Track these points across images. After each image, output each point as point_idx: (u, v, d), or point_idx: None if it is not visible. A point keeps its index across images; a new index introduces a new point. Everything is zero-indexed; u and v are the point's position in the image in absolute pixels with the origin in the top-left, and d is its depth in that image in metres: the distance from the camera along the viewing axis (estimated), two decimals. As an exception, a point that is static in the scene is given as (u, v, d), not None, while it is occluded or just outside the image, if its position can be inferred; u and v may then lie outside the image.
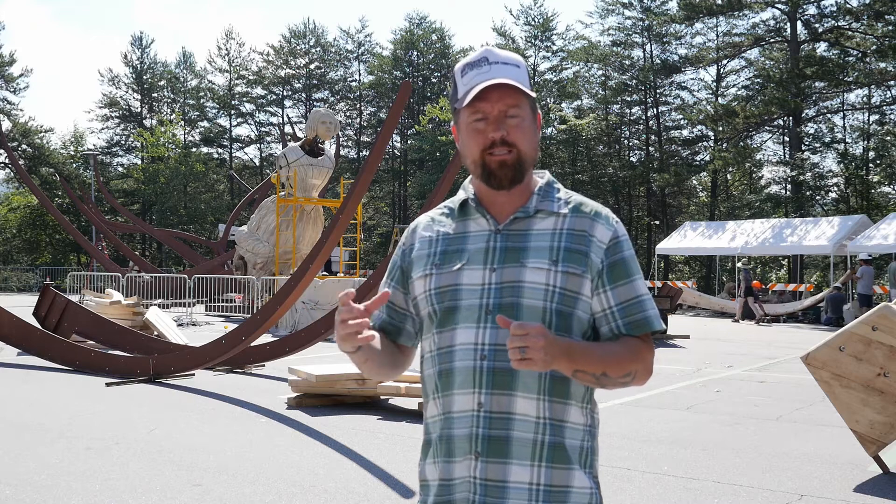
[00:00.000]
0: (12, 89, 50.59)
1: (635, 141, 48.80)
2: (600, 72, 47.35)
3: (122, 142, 55.81)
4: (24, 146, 49.31)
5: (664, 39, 44.29)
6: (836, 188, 39.77)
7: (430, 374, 1.78)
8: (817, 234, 25.77)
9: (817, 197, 38.29)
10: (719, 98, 43.09)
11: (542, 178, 1.84)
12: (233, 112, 55.66)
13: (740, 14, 38.91)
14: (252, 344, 10.07)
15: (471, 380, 1.69)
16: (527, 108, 1.75)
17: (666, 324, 16.75)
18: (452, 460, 1.71)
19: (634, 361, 1.70)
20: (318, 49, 55.78)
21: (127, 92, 55.38)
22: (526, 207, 1.77)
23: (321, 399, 8.26)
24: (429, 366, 1.79)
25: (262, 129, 57.08)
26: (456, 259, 1.77)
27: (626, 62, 45.82)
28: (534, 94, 1.77)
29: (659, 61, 43.80)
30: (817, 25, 37.06)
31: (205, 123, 56.36)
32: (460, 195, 1.85)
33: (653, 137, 45.76)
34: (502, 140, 1.71)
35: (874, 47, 34.63)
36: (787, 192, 39.65)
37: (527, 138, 1.74)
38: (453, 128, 1.85)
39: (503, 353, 1.68)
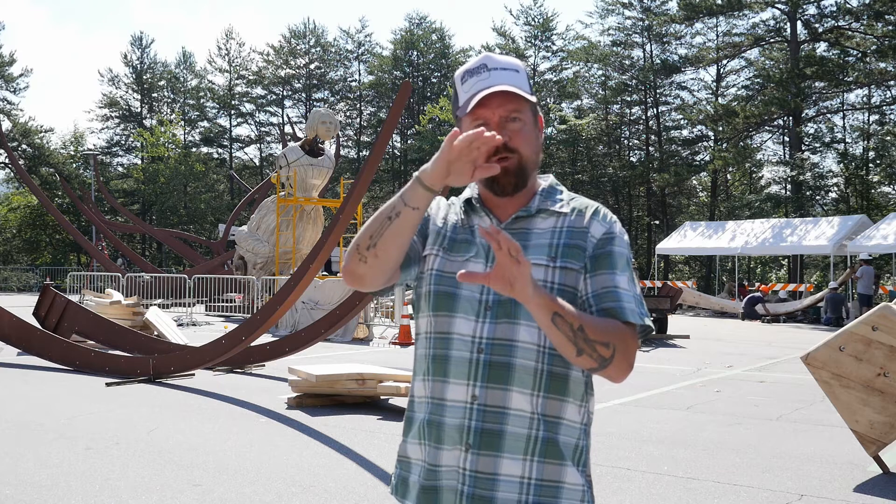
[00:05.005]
0: (12, 89, 50.64)
1: (635, 141, 48.81)
2: (600, 72, 47.38)
3: (122, 142, 55.83)
4: (24, 146, 49.30)
5: (664, 39, 44.31)
6: (836, 188, 39.79)
7: (423, 355, 1.79)
8: (817, 234, 25.78)
9: (817, 197, 38.31)
10: (719, 98, 43.10)
11: (545, 180, 1.86)
12: (233, 112, 55.68)
13: (740, 14, 38.94)
14: (252, 344, 10.07)
15: (466, 371, 1.70)
16: (527, 113, 1.76)
17: (665, 325, 16.75)
18: (441, 447, 1.72)
19: (614, 335, 1.63)
20: (318, 49, 55.79)
21: (127, 92, 55.45)
22: (528, 207, 1.79)
23: (321, 399, 8.27)
24: (422, 346, 1.80)
25: (262, 129, 57.14)
26: (464, 249, 1.78)
27: (626, 62, 45.85)
28: (534, 99, 1.77)
29: (659, 61, 43.81)
30: (817, 25, 37.06)
31: (205, 123, 56.38)
32: (466, 193, 1.87)
33: (653, 137, 45.77)
34: (505, 146, 1.71)
35: (874, 47, 34.64)
36: (787, 192, 39.66)
37: (528, 143, 1.75)
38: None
39: (500, 347, 1.69)
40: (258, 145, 57.76)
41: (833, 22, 36.54)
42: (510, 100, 1.72)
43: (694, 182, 47.69)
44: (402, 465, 1.82)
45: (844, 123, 41.56)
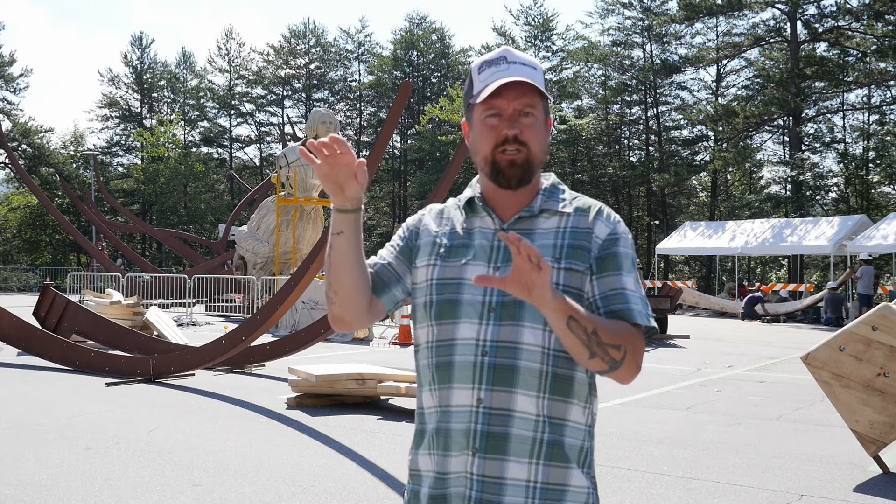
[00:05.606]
0: (12, 89, 50.64)
1: (635, 141, 48.82)
2: (600, 72, 47.39)
3: (122, 142, 55.84)
4: (24, 146, 49.30)
5: (664, 39, 44.32)
6: (836, 188, 39.79)
7: (426, 365, 1.77)
8: (817, 234, 25.78)
9: (817, 197, 38.30)
10: (719, 98, 43.10)
11: (547, 179, 1.85)
12: (233, 112, 55.68)
13: (740, 14, 38.94)
14: (252, 344, 10.06)
15: (470, 375, 1.69)
16: (540, 110, 1.76)
17: (665, 324, 16.75)
18: (449, 454, 1.71)
19: (625, 338, 1.64)
20: (318, 49, 55.79)
21: (127, 92, 55.45)
22: (531, 207, 1.78)
23: (321, 399, 8.27)
24: (424, 356, 1.78)
25: (262, 129, 57.15)
26: (461, 254, 1.77)
27: (626, 62, 45.86)
28: (549, 97, 1.77)
29: (659, 61, 43.81)
30: (817, 25, 37.07)
31: (205, 123, 56.38)
32: (467, 193, 1.86)
33: (653, 137, 45.77)
34: (515, 138, 1.71)
35: (874, 47, 34.63)
36: (787, 192, 39.66)
37: (538, 139, 1.75)
38: (464, 124, 1.85)
39: (505, 349, 1.68)
40: (258, 145, 57.79)
41: (833, 22, 36.54)
42: (526, 93, 1.72)
43: (694, 182, 47.70)
44: (413, 479, 1.79)
45: (844, 123, 41.58)
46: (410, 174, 52.49)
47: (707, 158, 43.36)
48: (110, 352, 11.28)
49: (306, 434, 6.93)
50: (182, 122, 53.71)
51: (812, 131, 40.33)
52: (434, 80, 53.53)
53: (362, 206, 1.73)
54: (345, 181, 1.66)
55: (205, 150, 55.80)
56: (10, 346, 11.99)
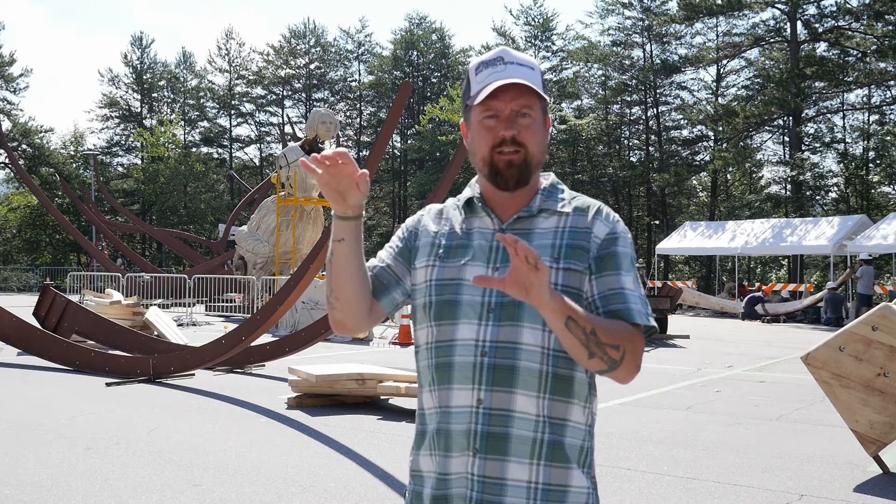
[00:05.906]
0: (12, 89, 50.64)
1: (635, 141, 48.83)
2: (600, 72, 47.39)
3: (122, 142, 55.84)
4: (24, 146, 49.29)
5: (664, 39, 44.33)
6: (836, 188, 39.79)
7: (426, 366, 1.77)
8: (817, 234, 25.78)
9: (817, 197, 38.30)
10: (719, 98, 43.10)
11: (546, 179, 1.85)
12: (233, 112, 55.68)
13: (740, 14, 38.94)
14: (252, 344, 10.06)
15: (470, 375, 1.69)
16: (538, 111, 1.75)
17: (665, 324, 16.75)
18: (449, 455, 1.71)
19: (624, 338, 1.64)
20: (318, 49, 55.80)
21: (127, 92, 55.46)
22: (529, 207, 1.77)
23: (321, 399, 8.27)
24: (424, 357, 1.79)
25: (262, 129, 57.16)
26: (460, 254, 1.77)
27: (626, 62, 45.87)
28: (547, 97, 1.76)
29: (659, 61, 43.82)
30: (817, 25, 37.07)
31: (205, 123, 56.38)
32: (466, 193, 1.85)
33: (653, 137, 45.77)
34: (512, 139, 1.71)
35: (874, 47, 34.63)
36: (787, 192, 39.66)
37: (536, 140, 1.74)
38: (462, 124, 1.85)
39: (504, 350, 1.68)
40: (258, 145, 57.79)
41: (833, 22, 36.54)
42: (523, 94, 1.72)
43: (694, 182, 47.70)
44: (415, 480, 1.80)
45: (844, 123, 41.58)
46: (410, 174, 52.49)
47: (707, 158, 43.35)
48: (110, 352, 11.27)
49: (306, 434, 6.93)
50: (182, 122, 53.71)
51: (812, 131, 40.34)
52: (434, 80, 53.54)
53: (363, 213, 1.73)
54: (346, 190, 1.67)
55: (205, 150, 55.81)
56: (10, 346, 11.99)
